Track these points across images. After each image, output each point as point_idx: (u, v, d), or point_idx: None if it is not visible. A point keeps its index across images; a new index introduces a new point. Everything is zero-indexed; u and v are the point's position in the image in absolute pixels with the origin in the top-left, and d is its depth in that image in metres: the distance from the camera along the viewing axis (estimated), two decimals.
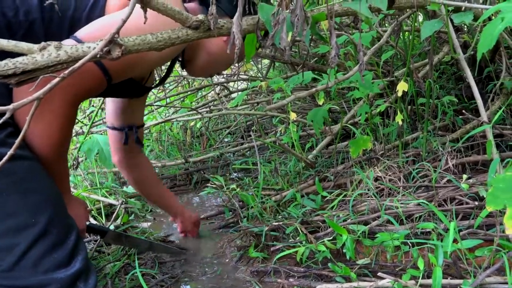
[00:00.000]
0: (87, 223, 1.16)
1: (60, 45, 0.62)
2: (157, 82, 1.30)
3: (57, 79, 0.57)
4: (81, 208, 1.12)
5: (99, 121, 2.58)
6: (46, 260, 0.80)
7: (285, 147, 1.74)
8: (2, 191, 0.77)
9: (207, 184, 2.21)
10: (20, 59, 0.59)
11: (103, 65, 0.86)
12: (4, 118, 0.54)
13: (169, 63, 1.22)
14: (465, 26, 1.92)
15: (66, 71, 0.58)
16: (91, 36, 0.82)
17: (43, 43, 0.61)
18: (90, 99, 2.74)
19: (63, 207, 0.88)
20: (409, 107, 1.92)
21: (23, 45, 0.61)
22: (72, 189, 1.70)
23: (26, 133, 0.84)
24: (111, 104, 1.31)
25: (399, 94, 1.48)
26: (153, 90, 3.33)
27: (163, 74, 1.26)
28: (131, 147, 1.35)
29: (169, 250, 1.52)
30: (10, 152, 0.55)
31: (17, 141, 0.56)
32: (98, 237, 1.53)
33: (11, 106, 0.55)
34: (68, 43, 0.71)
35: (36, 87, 0.58)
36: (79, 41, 0.81)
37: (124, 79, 0.98)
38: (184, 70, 1.25)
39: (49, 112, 0.84)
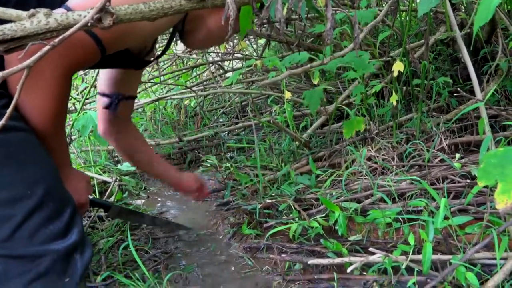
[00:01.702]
0: (90, 197, 1.15)
1: (50, 12, 0.60)
2: (157, 55, 1.28)
3: (47, 47, 0.56)
4: (83, 181, 1.10)
5: (92, 97, 2.55)
6: (42, 231, 0.80)
7: (279, 126, 1.74)
8: None
9: (202, 163, 2.22)
10: (8, 25, 0.57)
11: (96, 35, 0.84)
12: None
13: (168, 35, 1.20)
14: (462, 5, 1.90)
15: (57, 39, 0.57)
16: (82, 6, 0.80)
17: (32, 10, 0.59)
18: (83, 76, 2.71)
19: (58, 180, 0.88)
20: (404, 88, 1.92)
21: (12, 12, 0.59)
22: None
23: (21, 105, 0.84)
24: (105, 71, 1.27)
25: (395, 74, 1.47)
26: (147, 68, 3.28)
27: (160, 48, 1.25)
28: (118, 116, 1.31)
29: (171, 225, 1.52)
30: (2, 122, 0.54)
31: (8, 111, 0.55)
32: (93, 212, 1.54)
33: (0, 74, 0.54)
34: (59, 11, 0.69)
35: (27, 55, 0.57)
36: (69, 10, 0.79)
37: (118, 49, 0.96)
38: (181, 41, 1.23)
39: (42, 83, 0.82)
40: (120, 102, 1.27)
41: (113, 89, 1.27)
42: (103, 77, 1.29)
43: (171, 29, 1.15)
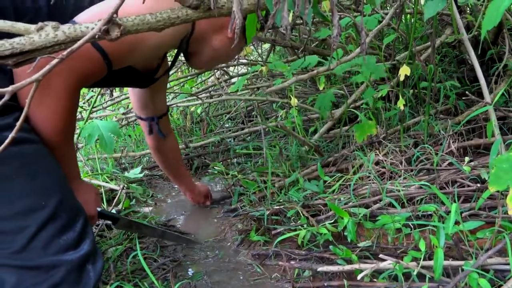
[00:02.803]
0: (99, 209, 1.16)
1: (57, 25, 0.61)
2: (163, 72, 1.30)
3: (55, 60, 0.56)
4: (92, 193, 1.12)
5: (98, 106, 2.57)
6: (55, 242, 0.81)
7: (289, 131, 1.72)
8: (11, 174, 0.78)
9: (208, 170, 2.22)
10: (17, 39, 0.58)
11: (103, 49, 0.86)
12: (3, 100, 0.54)
13: (174, 54, 1.23)
14: (468, 8, 1.89)
15: (65, 52, 0.57)
16: (89, 21, 0.82)
17: (40, 24, 0.60)
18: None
19: (70, 191, 0.90)
20: (412, 90, 1.90)
21: (20, 26, 0.60)
22: None
23: (31, 117, 0.85)
24: (132, 95, 1.39)
25: (401, 78, 1.46)
26: None
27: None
28: (157, 134, 1.47)
29: (181, 239, 1.50)
30: (11, 134, 0.54)
31: (18, 123, 0.56)
32: (101, 221, 1.54)
33: (10, 88, 0.54)
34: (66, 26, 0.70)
35: (35, 69, 0.58)
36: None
37: (124, 65, 0.98)
38: (187, 63, 1.26)
39: (51, 97, 0.85)
40: (152, 124, 1.42)
41: (145, 112, 1.40)
42: (133, 100, 1.41)
43: (175, 51, 1.17)
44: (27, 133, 0.83)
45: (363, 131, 1.54)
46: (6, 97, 0.54)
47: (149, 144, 1.55)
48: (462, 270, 0.94)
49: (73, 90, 0.88)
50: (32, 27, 0.61)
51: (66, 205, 0.84)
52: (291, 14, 0.75)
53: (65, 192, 0.87)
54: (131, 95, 1.42)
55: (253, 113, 3.04)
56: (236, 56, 2.97)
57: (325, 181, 1.58)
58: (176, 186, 1.99)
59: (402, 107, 1.50)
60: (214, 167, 1.93)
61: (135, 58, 1.01)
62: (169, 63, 1.29)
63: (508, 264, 0.92)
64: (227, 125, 3.06)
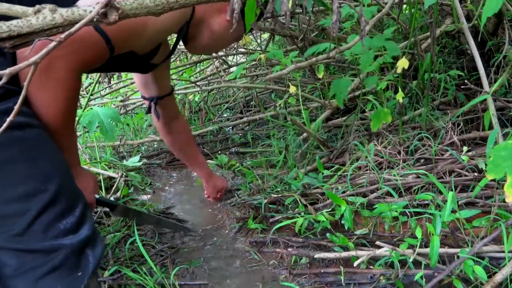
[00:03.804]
0: (97, 196, 1.17)
1: (55, 8, 0.60)
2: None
3: (53, 43, 0.56)
4: (91, 181, 1.12)
5: (97, 94, 2.55)
6: (55, 226, 0.81)
7: (297, 123, 1.70)
8: (13, 159, 0.78)
9: (207, 159, 2.21)
10: (14, 22, 0.57)
11: (105, 33, 0.86)
12: (1, 82, 0.54)
13: (174, 39, 1.22)
14: None
15: (63, 35, 0.57)
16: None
17: (37, 6, 0.59)
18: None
19: (70, 176, 0.90)
20: (415, 82, 1.89)
21: (17, 8, 0.59)
22: None
23: (33, 100, 0.85)
24: (135, 75, 1.38)
25: (399, 70, 1.45)
26: None
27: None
28: (164, 113, 1.44)
29: (177, 226, 1.51)
30: (9, 118, 0.54)
31: (17, 106, 0.55)
32: (99, 208, 1.54)
33: (7, 71, 0.54)
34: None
35: (34, 52, 0.57)
36: None
37: (126, 50, 0.98)
38: (185, 47, 1.25)
39: (53, 80, 0.84)
40: (157, 103, 1.39)
41: (148, 92, 1.38)
42: (137, 82, 1.40)
43: (175, 35, 1.16)
44: (29, 117, 0.82)
45: (379, 119, 1.49)
46: (4, 79, 0.54)
47: (157, 128, 1.54)
48: (458, 257, 0.95)
49: (76, 74, 0.87)
50: (30, 9, 0.60)
51: (66, 190, 0.84)
52: (290, 1, 0.75)
53: (65, 177, 0.86)
54: (134, 75, 1.41)
55: (251, 103, 3.03)
56: (235, 45, 2.96)
57: (323, 173, 1.58)
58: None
59: (401, 100, 1.49)
60: (216, 160, 1.92)
61: (138, 43, 1.00)
62: (171, 47, 1.28)
63: (503, 251, 0.92)
64: (225, 115, 3.06)
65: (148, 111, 1.41)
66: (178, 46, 3.28)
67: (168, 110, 1.45)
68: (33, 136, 0.82)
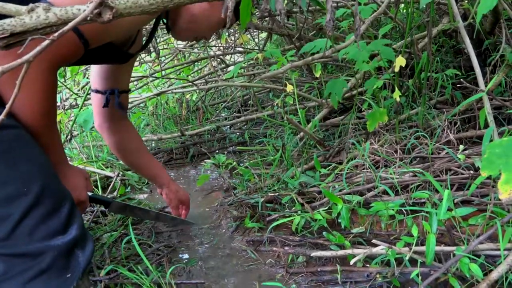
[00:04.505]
0: (90, 193, 1.15)
1: (49, 7, 0.60)
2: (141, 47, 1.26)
3: (46, 42, 0.56)
4: (81, 178, 1.09)
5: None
6: (41, 228, 0.79)
7: (294, 123, 1.70)
8: None
9: (204, 158, 2.22)
10: (7, 21, 0.57)
11: (78, 29, 0.84)
12: None
13: (151, 26, 1.19)
14: None
15: (56, 34, 0.56)
16: (62, 2, 0.81)
17: (31, 5, 0.59)
18: (84, 71, 2.71)
19: (54, 176, 0.88)
20: (411, 81, 1.90)
21: (11, 7, 0.59)
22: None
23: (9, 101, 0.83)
24: (96, 67, 1.28)
25: (396, 69, 1.46)
26: (148, 63, 3.25)
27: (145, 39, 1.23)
28: (113, 111, 1.32)
29: (176, 220, 1.51)
30: None
31: (6, 109, 0.55)
32: (96, 207, 1.54)
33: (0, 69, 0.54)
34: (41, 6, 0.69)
35: (23, 51, 0.57)
36: (52, 5, 0.79)
37: (102, 43, 0.95)
38: (168, 33, 1.22)
39: (28, 80, 0.82)
40: (111, 97, 1.27)
41: (105, 85, 1.27)
42: (94, 74, 1.29)
43: (153, 21, 1.13)
44: (7, 118, 0.80)
45: (375, 119, 1.49)
46: None
47: (99, 124, 1.36)
48: (454, 255, 0.95)
49: (50, 72, 0.85)
50: (23, 8, 0.60)
51: (49, 191, 0.82)
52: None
53: (48, 177, 0.85)
54: (93, 67, 1.30)
55: (249, 102, 3.03)
56: (233, 44, 2.95)
57: (321, 172, 1.58)
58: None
59: (398, 99, 1.50)
60: (213, 160, 1.92)
61: (113, 35, 0.97)
62: (144, 40, 1.24)
63: (499, 249, 0.93)
64: (223, 114, 3.06)
65: (106, 105, 1.29)
66: (176, 45, 3.28)
67: (123, 105, 1.33)
68: (12, 137, 0.80)
